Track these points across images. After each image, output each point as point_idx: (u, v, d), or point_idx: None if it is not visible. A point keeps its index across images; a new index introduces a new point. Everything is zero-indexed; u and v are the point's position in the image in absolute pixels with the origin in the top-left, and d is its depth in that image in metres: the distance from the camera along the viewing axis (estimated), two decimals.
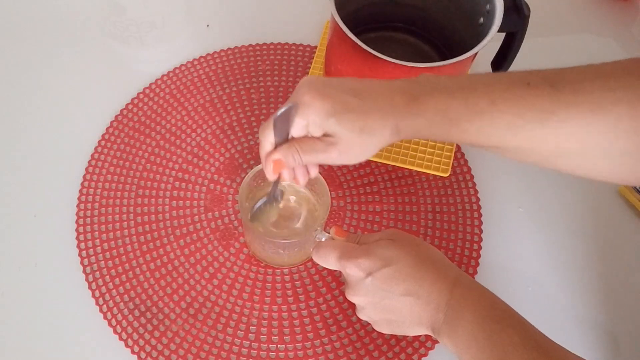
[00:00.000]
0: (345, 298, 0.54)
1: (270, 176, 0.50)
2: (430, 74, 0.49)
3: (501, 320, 0.46)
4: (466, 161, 0.71)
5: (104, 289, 0.61)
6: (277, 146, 0.48)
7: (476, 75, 0.48)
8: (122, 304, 0.61)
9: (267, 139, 0.48)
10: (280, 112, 0.46)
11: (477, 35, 0.61)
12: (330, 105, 0.46)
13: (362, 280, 0.49)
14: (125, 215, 0.66)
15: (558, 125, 0.44)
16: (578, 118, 0.43)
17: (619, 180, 0.47)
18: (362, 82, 0.48)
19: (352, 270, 0.50)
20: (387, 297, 0.49)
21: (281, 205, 0.61)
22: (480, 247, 0.66)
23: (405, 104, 0.46)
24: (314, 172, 0.53)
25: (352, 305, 0.56)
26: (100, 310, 0.60)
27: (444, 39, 0.72)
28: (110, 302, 0.61)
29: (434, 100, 0.46)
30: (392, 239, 0.51)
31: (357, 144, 0.47)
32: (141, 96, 0.74)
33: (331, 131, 0.46)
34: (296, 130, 0.47)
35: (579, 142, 0.44)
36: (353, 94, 0.47)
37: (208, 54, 0.78)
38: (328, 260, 0.52)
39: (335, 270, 0.55)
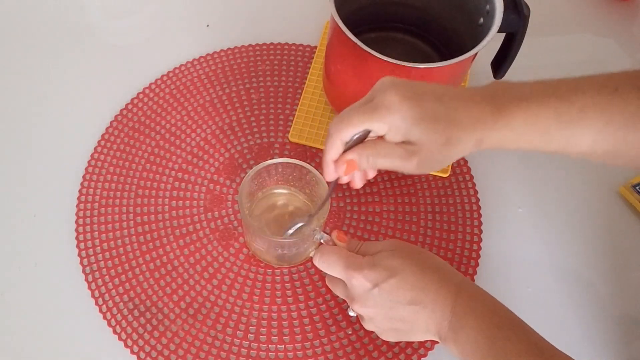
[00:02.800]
0: (345, 300, 0.54)
1: (333, 176, 0.48)
2: (506, 81, 0.47)
3: (504, 327, 0.46)
4: (466, 161, 0.71)
5: (103, 289, 0.61)
6: (346, 148, 0.46)
7: (556, 80, 0.47)
8: (121, 304, 0.61)
9: (340, 136, 0.46)
10: (355, 136, 0.44)
11: (477, 35, 0.61)
12: (418, 112, 0.44)
13: (369, 292, 0.49)
14: (125, 215, 0.66)
15: None
16: None
17: None
18: (445, 88, 0.46)
19: (359, 281, 0.50)
20: (393, 307, 0.49)
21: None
22: (480, 248, 0.66)
23: (492, 114, 0.45)
24: (372, 175, 0.51)
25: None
26: (100, 310, 0.60)
27: (444, 39, 0.72)
28: (110, 302, 0.61)
29: (522, 111, 0.45)
30: (394, 249, 0.51)
31: (439, 155, 0.45)
32: (141, 96, 0.74)
33: (415, 139, 0.44)
34: (374, 133, 0.45)
35: None
36: (439, 101, 0.45)
37: (208, 54, 0.77)
38: (334, 268, 0.52)
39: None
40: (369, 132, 0.46)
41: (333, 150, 0.47)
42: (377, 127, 0.45)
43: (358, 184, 0.50)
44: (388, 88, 0.45)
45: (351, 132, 0.46)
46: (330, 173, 0.48)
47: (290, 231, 0.57)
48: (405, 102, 0.44)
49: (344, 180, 0.50)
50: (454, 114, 0.45)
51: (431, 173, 0.69)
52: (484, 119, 0.45)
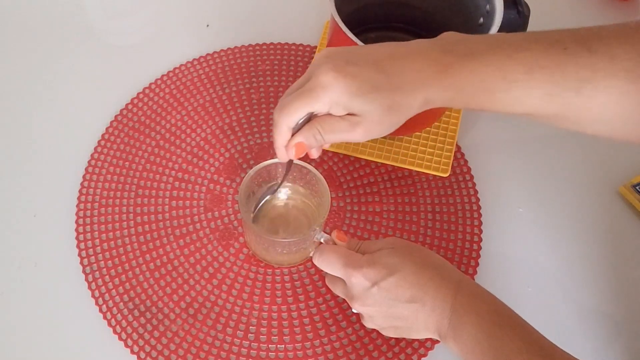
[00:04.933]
0: (345, 300, 0.54)
1: (285, 158, 0.49)
2: (455, 33, 0.46)
3: (504, 324, 0.46)
4: (466, 161, 0.71)
5: (103, 289, 0.61)
6: (293, 132, 0.47)
7: (505, 35, 0.46)
8: (121, 303, 0.61)
9: (286, 123, 0.46)
10: (301, 120, 0.45)
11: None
12: (355, 85, 0.43)
13: (368, 290, 0.49)
14: (125, 215, 0.66)
15: (594, 94, 0.43)
16: (614, 86, 0.43)
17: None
18: (382, 50, 0.46)
19: (358, 280, 0.50)
20: (393, 305, 0.49)
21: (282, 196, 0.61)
22: (480, 247, 0.66)
23: (436, 73, 0.44)
24: (327, 145, 0.50)
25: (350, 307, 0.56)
26: (100, 310, 0.60)
27: None
28: (110, 302, 0.61)
29: (467, 70, 0.44)
30: (394, 247, 0.51)
31: (384, 121, 0.45)
32: (141, 96, 0.74)
33: (357, 111, 0.44)
34: (317, 110, 0.46)
35: (613, 110, 0.44)
36: (376, 67, 0.44)
37: (208, 54, 0.77)
38: (334, 267, 0.52)
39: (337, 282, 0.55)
40: (311, 113, 0.46)
41: (281, 137, 0.47)
42: (318, 107, 0.45)
43: (314, 154, 0.51)
44: (323, 63, 0.45)
45: (294, 118, 0.46)
46: (282, 156, 0.49)
47: (260, 203, 0.59)
48: (340, 77, 0.44)
49: (299, 155, 0.50)
50: (395, 80, 0.44)
51: (431, 173, 0.69)
52: (428, 80, 0.44)
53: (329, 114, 0.46)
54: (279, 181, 0.58)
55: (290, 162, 0.54)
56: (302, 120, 0.47)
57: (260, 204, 0.60)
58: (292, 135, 0.48)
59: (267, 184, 0.61)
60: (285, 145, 0.48)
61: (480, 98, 0.45)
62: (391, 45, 0.46)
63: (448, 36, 0.47)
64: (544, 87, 0.44)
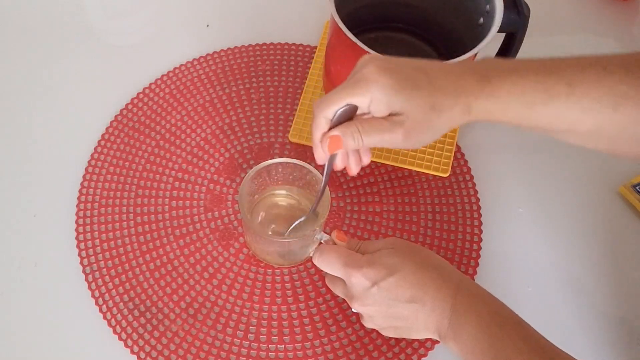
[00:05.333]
0: (345, 300, 0.54)
1: (322, 157, 0.47)
2: (488, 57, 0.47)
3: (504, 325, 0.46)
4: (466, 161, 0.71)
5: (103, 289, 0.61)
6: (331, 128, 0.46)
7: (545, 59, 0.46)
8: (121, 304, 0.61)
9: (323, 114, 0.45)
10: (340, 109, 0.43)
11: (477, 35, 0.61)
12: (398, 81, 0.43)
13: (368, 290, 0.49)
14: (125, 215, 0.66)
15: (631, 112, 0.43)
16: None
17: None
18: (426, 61, 0.46)
19: (358, 280, 0.50)
20: (393, 305, 0.49)
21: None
22: (480, 248, 0.66)
23: (477, 83, 0.44)
24: (367, 160, 0.50)
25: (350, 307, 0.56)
26: (100, 310, 0.60)
27: (444, 39, 0.72)
28: (110, 302, 0.61)
29: (509, 82, 0.44)
30: (394, 247, 0.51)
31: (425, 123, 0.44)
32: (141, 96, 0.74)
33: (399, 109, 0.44)
34: (360, 109, 0.45)
35: None
36: (420, 70, 0.44)
37: (208, 54, 0.77)
38: (333, 267, 0.52)
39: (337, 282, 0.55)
40: (354, 108, 0.45)
41: (318, 130, 0.46)
42: (358, 100, 0.44)
43: (353, 169, 0.49)
44: (367, 63, 0.45)
45: (333, 108, 0.45)
46: (319, 154, 0.48)
47: (293, 226, 0.57)
48: (383, 72, 0.43)
49: (339, 166, 0.49)
50: (436, 81, 0.44)
51: (431, 173, 0.69)
52: (469, 87, 0.44)
53: (369, 116, 0.45)
54: (319, 189, 0.55)
55: (329, 170, 0.50)
56: (339, 113, 0.44)
57: (295, 225, 0.58)
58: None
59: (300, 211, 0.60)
60: (321, 139, 0.46)
61: (520, 110, 0.45)
62: (434, 61, 0.47)
63: (488, 58, 0.47)
64: (585, 102, 0.44)
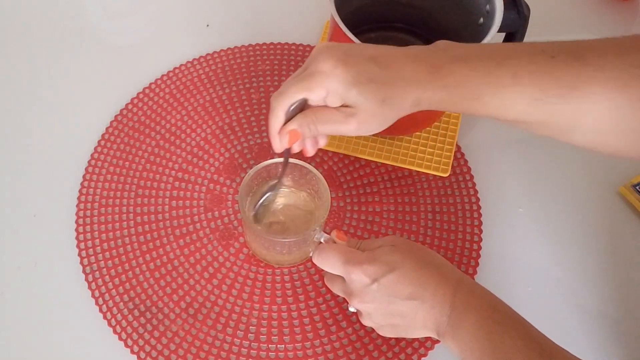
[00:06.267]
0: (345, 300, 0.54)
1: (280, 147, 0.49)
2: (448, 41, 0.48)
3: (503, 323, 0.46)
4: (466, 161, 0.71)
5: (103, 289, 0.61)
6: (287, 119, 0.47)
7: (495, 45, 0.47)
8: (121, 303, 0.61)
9: (281, 107, 0.46)
10: (296, 103, 0.45)
11: (477, 35, 0.61)
12: (352, 75, 0.44)
13: (367, 287, 0.49)
14: (125, 215, 0.66)
15: (580, 101, 0.44)
16: (600, 94, 0.43)
17: (628, 155, 0.47)
18: (379, 48, 0.47)
19: (358, 276, 0.50)
20: (392, 302, 0.49)
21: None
22: (480, 247, 0.66)
23: (428, 73, 0.45)
24: (324, 142, 0.51)
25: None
26: (100, 310, 0.60)
27: (444, 39, 0.72)
28: (110, 302, 0.61)
29: (456, 72, 0.45)
30: (394, 245, 0.51)
31: (377, 115, 0.46)
32: (141, 96, 0.74)
33: (352, 102, 0.45)
34: (313, 100, 0.46)
35: (598, 118, 0.44)
36: (373, 62, 0.45)
37: (208, 54, 0.78)
38: (333, 265, 0.52)
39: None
40: (305, 100, 0.46)
41: (276, 122, 0.48)
42: (315, 93, 0.45)
43: (310, 151, 0.51)
44: (322, 53, 0.46)
45: (290, 101, 0.46)
46: (277, 145, 0.49)
47: (261, 200, 0.59)
48: (340, 65, 0.44)
49: (296, 149, 0.50)
50: (389, 74, 0.45)
51: (431, 173, 0.69)
52: (420, 79, 0.45)
53: (323, 106, 0.47)
54: (279, 178, 0.58)
55: (287, 154, 0.54)
56: (294, 107, 0.47)
57: (261, 202, 0.60)
58: (286, 122, 0.48)
59: (267, 183, 0.61)
60: (279, 132, 0.48)
61: (469, 102, 0.46)
62: (387, 46, 0.48)
63: (441, 43, 0.48)
64: (530, 93, 0.45)
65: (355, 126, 0.46)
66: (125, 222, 0.65)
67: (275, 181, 0.60)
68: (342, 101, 0.46)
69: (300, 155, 0.52)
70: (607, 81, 0.43)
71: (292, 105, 0.47)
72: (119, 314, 0.60)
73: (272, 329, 0.60)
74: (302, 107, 0.47)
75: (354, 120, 0.46)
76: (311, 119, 0.47)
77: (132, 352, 0.58)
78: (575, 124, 0.45)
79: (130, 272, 0.62)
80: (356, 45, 0.47)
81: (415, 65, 0.45)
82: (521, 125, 0.48)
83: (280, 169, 0.57)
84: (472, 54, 0.46)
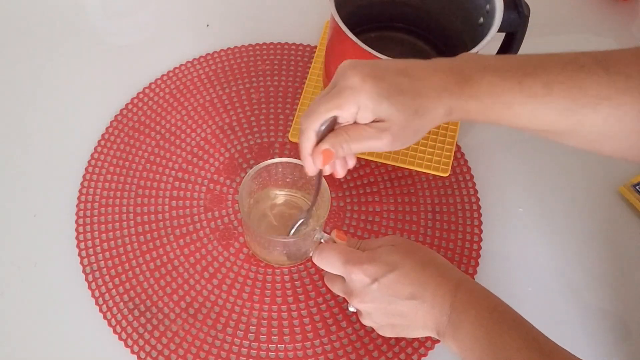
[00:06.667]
0: (345, 300, 0.54)
1: (313, 169, 0.48)
2: (471, 53, 0.48)
3: (503, 322, 0.46)
4: (466, 161, 0.71)
5: (103, 289, 0.61)
6: (318, 140, 0.46)
7: (521, 56, 0.47)
8: (121, 303, 0.61)
9: (312, 127, 0.46)
10: (326, 122, 0.44)
11: (477, 35, 0.61)
12: (383, 88, 0.44)
13: (368, 286, 0.49)
14: (125, 215, 0.66)
15: (610, 111, 0.44)
16: (630, 103, 0.44)
17: None
18: (405, 62, 0.47)
19: (358, 276, 0.50)
20: (392, 302, 0.49)
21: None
22: (480, 247, 0.66)
23: (458, 83, 0.45)
24: (352, 163, 0.51)
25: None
26: (100, 310, 0.60)
27: (444, 39, 0.72)
28: (110, 302, 0.61)
29: (487, 82, 0.45)
30: (394, 245, 0.51)
31: (410, 127, 0.45)
32: (141, 96, 0.74)
33: (384, 115, 0.44)
34: (343, 118, 0.45)
35: (630, 127, 0.44)
36: (402, 74, 0.45)
37: (208, 54, 0.77)
38: (333, 265, 0.52)
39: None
40: (335, 119, 0.45)
41: (307, 144, 0.47)
42: (346, 110, 0.45)
43: (340, 173, 0.50)
44: (348, 70, 0.45)
45: (320, 121, 0.45)
46: (310, 167, 0.48)
47: (293, 230, 0.57)
48: (368, 80, 0.44)
49: (327, 171, 0.49)
50: (419, 85, 0.45)
51: (431, 173, 0.69)
52: (450, 88, 0.45)
53: (354, 123, 0.46)
54: (311, 200, 0.55)
55: (319, 177, 0.52)
56: (324, 127, 0.45)
57: (295, 227, 0.58)
58: (317, 143, 0.47)
59: (300, 210, 0.61)
60: (311, 153, 0.47)
61: (499, 111, 0.46)
62: (413, 59, 0.47)
63: (465, 55, 0.48)
64: (561, 103, 0.45)
65: (390, 140, 0.45)
66: (125, 222, 0.65)
67: (308, 206, 0.58)
68: (374, 116, 0.45)
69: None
70: (636, 91, 0.43)
71: (322, 125, 0.46)
72: (119, 314, 0.60)
73: (272, 329, 0.60)
74: (332, 126, 0.46)
75: (388, 134, 0.45)
76: (344, 137, 0.45)
77: (132, 352, 0.58)
78: (606, 133, 0.45)
79: (130, 272, 0.62)
80: (381, 61, 0.47)
81: (445, 76, 0.45)
82: (550, 135, 0.48)
83: (315, 189, 0.54)
84: (501, 65, 0.46)
